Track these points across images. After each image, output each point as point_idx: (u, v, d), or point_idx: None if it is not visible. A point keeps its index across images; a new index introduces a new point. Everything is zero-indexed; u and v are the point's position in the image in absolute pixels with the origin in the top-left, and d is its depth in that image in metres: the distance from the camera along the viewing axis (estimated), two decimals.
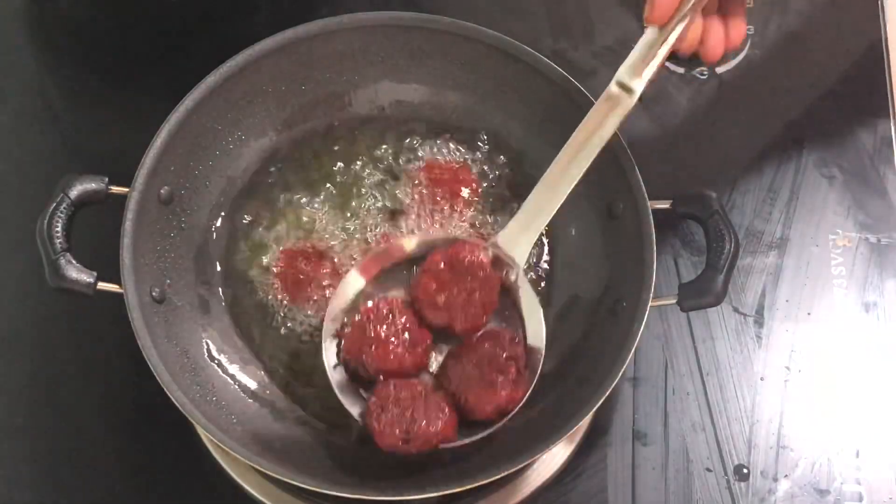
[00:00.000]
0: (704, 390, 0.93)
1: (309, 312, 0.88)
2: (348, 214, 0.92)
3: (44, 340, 0.94)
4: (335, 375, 0.81)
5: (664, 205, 0.83)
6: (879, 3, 1.10)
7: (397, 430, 0.76)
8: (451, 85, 0.94)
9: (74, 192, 0.80)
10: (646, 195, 0.83)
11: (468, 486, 0.76)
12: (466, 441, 0.79)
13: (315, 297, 0.88)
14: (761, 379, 0.93)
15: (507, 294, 0.83)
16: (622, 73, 0.80)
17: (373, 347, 0.79)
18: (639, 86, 0.79)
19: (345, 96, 0.95)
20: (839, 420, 0.92)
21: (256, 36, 0.88)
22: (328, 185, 0.93)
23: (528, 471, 0.89)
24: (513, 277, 0.82)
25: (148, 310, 0.80)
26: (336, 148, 0.95)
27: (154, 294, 0.83)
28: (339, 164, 0.94)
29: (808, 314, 0.96)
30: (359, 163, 0.94)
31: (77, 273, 0.79)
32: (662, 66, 0.80)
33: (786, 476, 0.90)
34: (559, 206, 0.82)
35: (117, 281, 0.79)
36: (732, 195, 1.01)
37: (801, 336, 0.95)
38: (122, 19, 1.09)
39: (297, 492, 0.87)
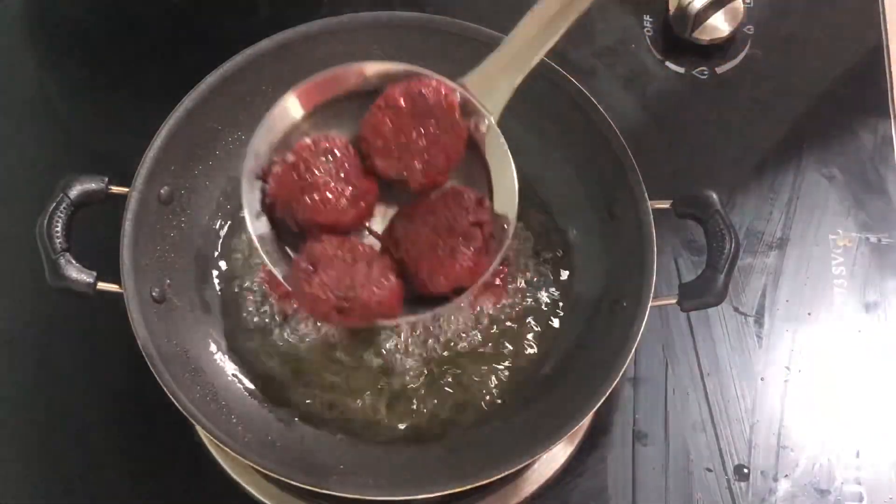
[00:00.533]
0: (705, 390, 0.93)
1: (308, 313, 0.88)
2: None
3: (44, 340, 0.94)
4: (258, 226, 0.67)
5: (664, 205, 0.83)
6: (879, 3, 1.10)
7: (331, 295, 0.63)
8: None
9: (74, 192, 0.80)
10: (646, 195, 0.83)
11: (468, 486, 0.76)
12: (411, 318, 0.67)
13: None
14: (762, 379, 0.93)
15: (475, 149, 0.69)
16: None
17: (305, 194, 0.64)
18: None
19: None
20: (839, 420, 0.92)
21: (256, 36, 0.88)
22: None
23: (528, 471, 0.89)
24: (483, 129, 0.68)
25: (148, 310, 0.80)
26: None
27: (154, 294, 0.83)
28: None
29: (809, 314, 0.96)
30: None
31: (77, 273, 0.78)
32: None
33: (786, 476, 0.90)
34: (547, 49, 0.68)
35: (117, 281, 0.79)
36: (732, 195, 1.01)
37: (802, 336, 0.95)
38: (122, 19, 1.09)
39: (297, 492, 0.87)
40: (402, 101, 0.65)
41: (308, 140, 0.66)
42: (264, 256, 0.67)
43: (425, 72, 0.68)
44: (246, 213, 0.67)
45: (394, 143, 0.65)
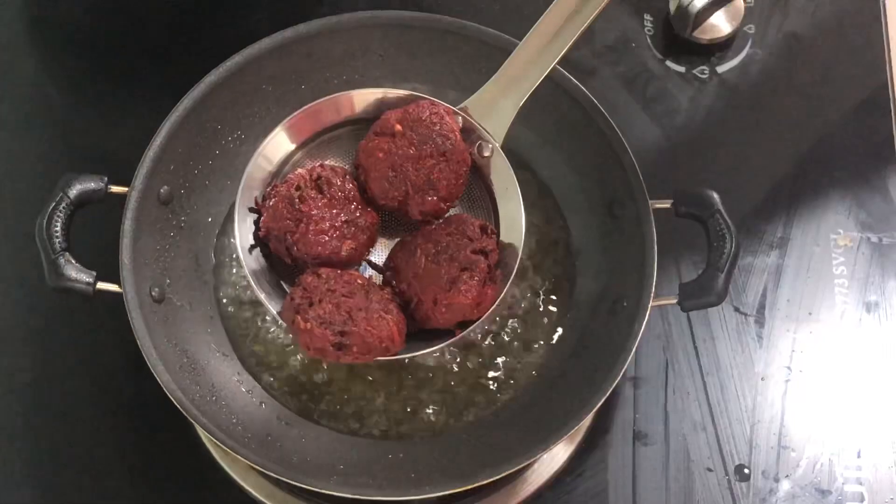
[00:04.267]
0: (705, 390, 0.93)
1: None
2: None
3: (44, 340, 0.94)
4: (250, 261, 0.65)
5: (664, 205, 0.83)
6: (880, 3, 1.10)
7: (328, 331, 0.60)
8: (451, 85, 0.93)
9: (74, 192, 0.80)
10: (646, 195, 0.83)
11: (468, 486, 0.76)
12: (415, 354, 0.64)
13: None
14: (762, 379, 0.93)
15: (478, 175, 0.66)
16: None
17: (301, 225, 0.61)
18: None
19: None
20: (840, 420, 0.92)
21: (256, 35, 0.88)
22: None
23: (528, 471, 0.89)
24: (486, 153, 0.66)
25: (148, 310, 0.80)
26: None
27: (154, 294, 0.83)
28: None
29: (809, 314, 0.96)
30: None
31: (76, 272, 0.78)
32: None
33: (787, 476, 0.90)
34: (548, 71, 0.66)
35: (117, 280, 0.79)
36: (733, 195, 1.00)
37: (802, 336, 0.95)
38: (122, 19, 1.09)
39: (297, 492, 0.87)
40: (398, 127, 0.63)
41: (302, 170, 0.64)
42: (258, 292, 0.64)
43: (423, 97, 0.66)
44: (238, 247, 0.65)
45: (391, 171, 0.62)
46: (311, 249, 0.60)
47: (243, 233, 0.64)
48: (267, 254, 0.63)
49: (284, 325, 0.61)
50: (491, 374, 0.88)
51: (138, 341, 0.78)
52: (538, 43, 0.66)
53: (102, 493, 0.89)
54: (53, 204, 0.79)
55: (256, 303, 0.89)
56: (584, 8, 0.64)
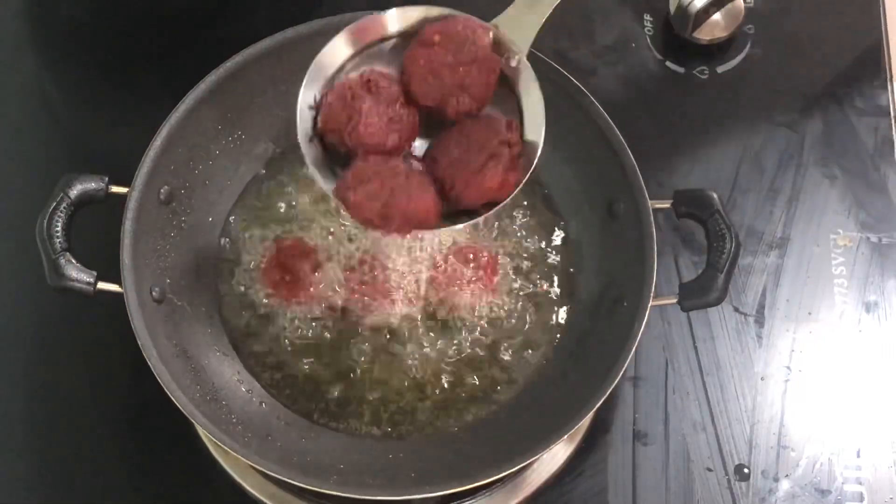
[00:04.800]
0: (705, 390, 0.93)
1: (307, 313, 0.88)
2: (346, 217, 0.92)
3: (44, 340, 0.94)
4: (310, 150, 0.74)
5: (664, 205, 0.83)
6: (880, 2, 1.10)
7: (375, 203, 0.69)
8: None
9: (74, 192, 0.80)
10: (646, 195, 0.83)
11: (468, 486, 0.76)
12: (448, 228, 0.73)
13: (306, 298, 0.89)
14: (762, 379, 0.93)
15: (506, 84, 0.76)
16: None
17: (355, 119, 0.70)
18: None
19: None
20: (840, 420, 0.92)
21: (256, 36, 0.88)
22: None
23: (528, 471, 0.89)
24: (513, 64, 0.75)
25: (148, 310, 0.80)
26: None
27: (154, 294, 0.83)
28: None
29: (809, 314, 0.96)
30: None
31: (77, 272, 0.79)
32: None
33: (787, 476, 0.90)
34: None
35: (117, 280, 0.79)
36: (733, 195, 1.01)
37: (802, 336, 0.95)
38: (122, 19, 1.09)
39: (297, 491, 0.87)
40: (437, 38, 0.72)
41: (354, 74, 0.73)
42: (316, 174, 0.72)
43: (460, 14, 0.75)
44: (300, 139, 0.73)
45: (432, 75, 0.72)
46: (362, 140, 0.70)
47: (304, 128, 0.73)
48: (324, 145, 0.73)
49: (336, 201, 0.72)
50: (491, 373, 0.88)
51: (138, 341, 0.78)
52: None
53: (102, 492, 0.89)
54: (54, 204, 0.79)
55: (257, 303, 0.89)
56: None
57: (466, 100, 0.72)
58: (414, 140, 0.74)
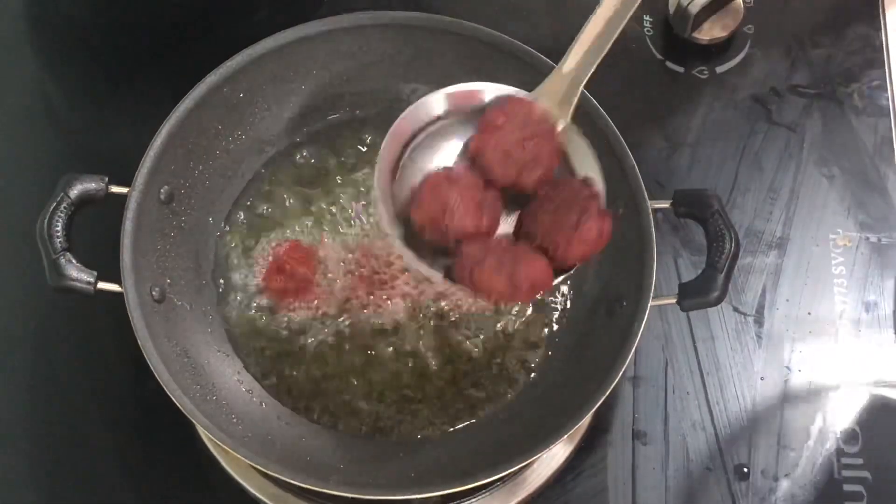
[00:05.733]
0: (704, 390, 0.93)
1: (307, 313, 0.88)
2: (346, 216, 0.92)
3: (44, 340, 0.94)
4: (396, 231, 0.77)
5: (664, 204, 0.83)
6: (880, 3, 1.10)
7: (501, 277, 0.73)
8: (452, 84, 0.94)
9: (75, 192, 0.80)
10: (646, 195, 0.83)
11: (468, 486, 0.76)
12: (559, 280, 0.78)
13: (306, 299, 0.89)
14: (761, 378, 0.93)
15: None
16: None
17: (450, 210, 0.74)
18: None
19: (345, 96, 0.95)
20: (840, 420, 0.92)
21: (256, 36, 0.88)
22: (328, 185, 0.93)
23: (528, 471, 0.89)
24: (559, 129, 0.79)
25: (148, 309, 0.80)
26: (336, 148, 0.95)
27: (154, 294, 0.83)
28: (339, 164, 0.94)
29: (809, 314, 0.96)
30: (359, 163, 0.94)
31: (77, 272, 0.79)
32: None
33: (786, 476, 0.90)
34: (603, 56, 0.78)
35: (117, 280, 0.79)
36: (732, 195, 1.01)
37: (802, 336, 0.95)
38: (122, 19, 1.09)
39: (298, 491, 0.87)
40: (501, 120, 0.76)
41: (434, 169, 0.77)
42: (414, 258, 0.76)
43: (510, 90, 0.79)
44: (386, 223, 0.76)
45: (506, 155, 0.76)
46: (460, 227, 0.74)
47: (387, 210, 0.76)
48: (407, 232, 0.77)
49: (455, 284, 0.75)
50: (491, 374, 0.88)
51: (139, 341, 0.78)
52: (599, 25, 0.78)
53: (102, 492, 0.89)
54: (54, 204, 0.79)
55: (257, 303, 0.89)
56: (623, 9, 0.77)
57: (539, 170, 0.76)
58: (499, 217, 0.78)
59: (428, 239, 0.76)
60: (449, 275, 0.76)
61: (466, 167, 0.77)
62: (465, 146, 0.79)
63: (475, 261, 0.73)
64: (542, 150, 0.76)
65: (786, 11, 1.10)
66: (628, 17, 0.77)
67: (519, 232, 0.78)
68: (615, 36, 0.78)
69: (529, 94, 0.79)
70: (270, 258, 0.90)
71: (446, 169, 0.77)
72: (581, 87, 0.79)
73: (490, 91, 0.80)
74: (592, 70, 0.78)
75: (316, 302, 0.89)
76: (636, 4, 0.77)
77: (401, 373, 0.87)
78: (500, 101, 0.78)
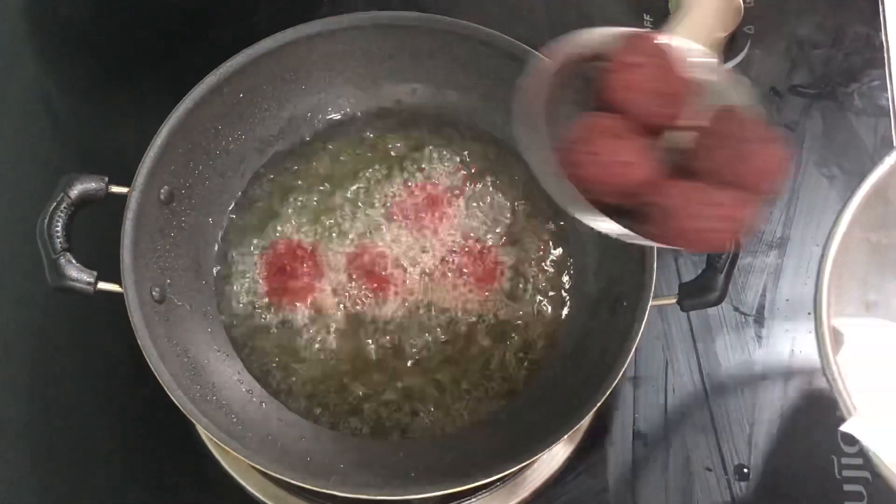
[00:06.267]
0: (705, 390, 0.93)
1: (308, 312, 0.89)
2: (346, 216, 0.92)
3: (44, 340, 0.94)
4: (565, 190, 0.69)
5: None
6: (880, 3, 1.10)
7: (727, 194, 0.66)
8: (451, 85, 0.94)
9: (75, 192, 0.80)
10: None
11: (468, 486, 0.76)
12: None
13: (306, 298, 0.89)
14: (762, 379, 0.93)
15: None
16: None
17: (619, 164, 0.66)
18: None
19: (345, 96, 0.95)
20: (839, 420, 0.92)
21: (256, 36, 0.88)
22: (328, 185, 0.93)
23: (528, 470, 0.89)
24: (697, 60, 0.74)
25: (148, 309, 0.80)
26: (336, 148, 0.95)
27: (154, 294, 0.83)
28: (339, 164, 0.94)
29: (809, 314, 0.96)
30: (360, 163, 0.94)
31: (77, 272, 0.79)
32: None
33: (786, 476, 0.90)
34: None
35: (117, 280, 0.79)
36: None
37: (802, 336, 0.95)
38: (122, 19, 1.09)
39: (298, 491, 0.87)
40: (637, 58, 0.69)
41: (582, 120, 0.69)
42: (595, 216, 0.67)
43: (641, 31, 0.73)
44: (548, 181, 0.68)
45: (653, 90, 0.69)
46: (637, 179, 0.67)
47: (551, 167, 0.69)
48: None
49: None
50: (491, 374, 0.88)
51: (139, 341, 0.78)
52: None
53: (102, 492, 0.89)
54: (54, 204, 0.79)
55: (257, 303, 0.89)
56: None
57: (686, 104, 0.70)
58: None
59: (597, 199, 0.67)
60: (647, 233, 0.67)
61: (609, 115, 0.69)
62: (595, 94, 0.70)
63: (682, 204, 0.65)
64: (682, 84, 0.70)
65: (786, 11, 1.10)
66: None
67: (684, 175, 0.69)
68: None
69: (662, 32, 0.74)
70: (270, 257, 0.90)
71: (591, 117, 0.68)
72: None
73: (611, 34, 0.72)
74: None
75: (315, 301, 0.89)
76: None
77: (400, 372, 0.87)
78: (628, 41, 0.71)
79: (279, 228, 0.91)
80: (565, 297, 0.90)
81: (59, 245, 0.78)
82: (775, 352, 0.94)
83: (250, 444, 0.79)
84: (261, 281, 0.90)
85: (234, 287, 0.90)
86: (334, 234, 0.91)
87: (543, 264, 0.91)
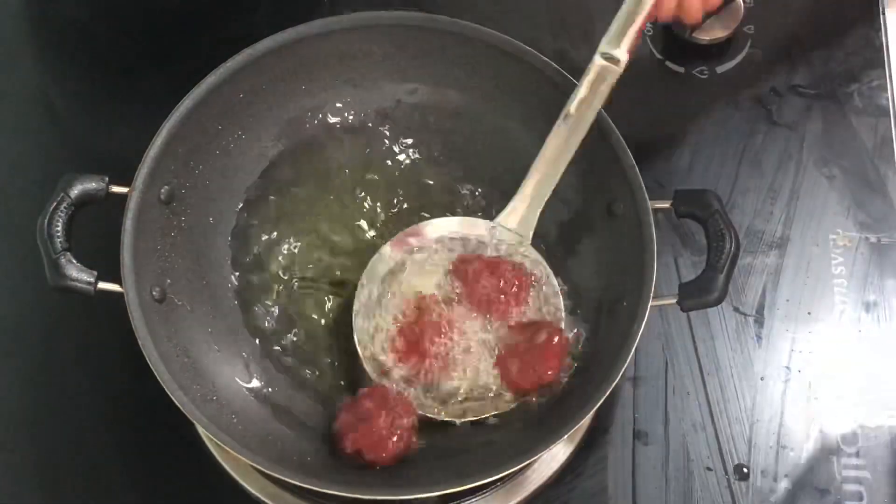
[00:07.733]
0: (705, 390, 0.93)
1: (306, 311, 0.89)
2: (346, 216, 0.92)
3: (44, 340, 0.94)
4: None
5: (664, 204, 0.83)
6: (880, 3, 1.10)
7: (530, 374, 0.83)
8: (451, 85, 0.94)
9: (75, 192, 0.80)
10: (646, 195, 0.83)
11: (468, 486, 0.76)
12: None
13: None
14: (761, 379, 0.93)
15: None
16: (604, 44, 0.84)
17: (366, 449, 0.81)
18: (621, 54, 0.83)
19: (345, 96, 0.95)
20: (840, 420, 0.92)
21: (256, 36, 0.88)
22: (328, 185, 0.93)
23: (528, 471, 0.89)
24: (522, 250, 0.87)
25: (148, 310, 0.80)
26: (336, 148, 0.95)
27: (154, 294, 0.83)
28: (339, 164, 0.94)
29: (809, 314, 0.96)
30: (360, 164, 0.94)
31: (77, 272, 0.79)
32: (640, 34, 0.84)
33: (786, 476, 0.90)
34: (558, 180, 0.84)
35: (118, 280, 0.79)
36: (733, 195, 1.01)
37: (802, 336, 0.95)
38: (122, 19, 1.09)
39: (298, 491, 0.87)
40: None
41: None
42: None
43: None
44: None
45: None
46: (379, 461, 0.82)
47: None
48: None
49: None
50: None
51: (139, 341, 0.78)
52: (552, 154, 0.85)
53: (102, 493, 0.89)
54: (54, 204, 0.79)
55: (257, 303, 0.89)
56: (572, 138, 0.84)
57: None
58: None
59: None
60: None
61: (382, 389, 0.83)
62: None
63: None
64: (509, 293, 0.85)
65: (786, 11, 1.10)
66: (583, 135, 0.83)
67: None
68: (572, 153, 0.84)
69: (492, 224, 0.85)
70: (276, 256, 0.90)
71: (361, 397, 0.82)
72: (541, 208, 0.85)
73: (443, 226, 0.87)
74: (551, 189, 0.85)
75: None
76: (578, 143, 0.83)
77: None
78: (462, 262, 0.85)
79: (280, 228, 0.91)
80: (565, 297, 0.90)
81: (59, 245, 0.78)
82: (774, 352, 0.94)
83: (250, 445, 0.79)
84: (260, 281, 0.89)
85: (235, 287, 0.89)
86: (335, 234, 0.91)
87: (543, 265, 0.91)
